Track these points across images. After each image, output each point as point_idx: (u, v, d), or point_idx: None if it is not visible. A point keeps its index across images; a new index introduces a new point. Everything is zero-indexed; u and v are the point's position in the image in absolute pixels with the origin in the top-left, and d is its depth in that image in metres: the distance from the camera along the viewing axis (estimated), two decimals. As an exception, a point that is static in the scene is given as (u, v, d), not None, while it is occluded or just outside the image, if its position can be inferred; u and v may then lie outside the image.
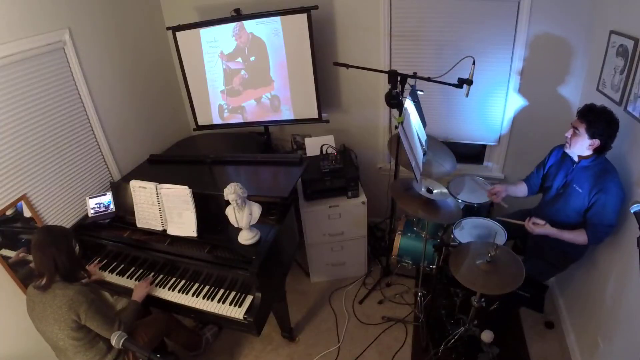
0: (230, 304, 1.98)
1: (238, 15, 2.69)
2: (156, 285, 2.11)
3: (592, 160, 1.88)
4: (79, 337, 1.70)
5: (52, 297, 1.65)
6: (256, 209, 1.98)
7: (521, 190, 2.30)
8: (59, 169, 2.22)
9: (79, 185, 2.36)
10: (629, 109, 1.76)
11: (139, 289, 2.02)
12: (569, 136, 1.90)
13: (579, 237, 1.92)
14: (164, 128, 3.13)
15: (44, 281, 1.67)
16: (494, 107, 2.69)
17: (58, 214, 2.22)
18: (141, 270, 2.21)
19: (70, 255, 1.72)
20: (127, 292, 2.10)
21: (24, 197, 2.00)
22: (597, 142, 1.80)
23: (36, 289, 1.68)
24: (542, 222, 1.99)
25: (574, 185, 1.94)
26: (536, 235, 2.05)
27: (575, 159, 1.95)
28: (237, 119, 3.06)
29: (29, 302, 1.73)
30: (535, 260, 2.10)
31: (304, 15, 2.53)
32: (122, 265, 2.25)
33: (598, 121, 1.77)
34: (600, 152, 1.85)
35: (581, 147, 1.86)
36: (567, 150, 1.95)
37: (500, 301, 2.20)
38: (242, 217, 1.93)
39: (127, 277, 2.18)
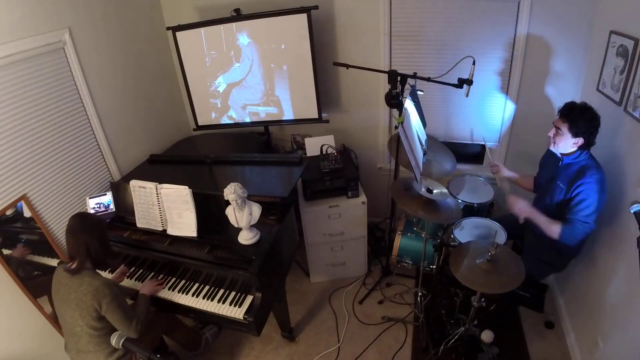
0: (230, 304, 1.98)
1: (238, 15, 2.69)
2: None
3: (575, 157, 1.89)
4: (97, 327, 1.71)
5: (80, 283, 1.67)
6: (256, 209, 1.98)
7: (526, 182, 2.33)
8: (59, 169, 2.22)
9: (79, 185, 2.36)
10: (629, 109, 1.76)
11: (148, 284, 2.03)
12: (552, 135, 1.91)
13: (552, 225, 1.92)
14: (164, 128, 3.13)
15: (74, 265, 1.69)
16: (494, 107, 2.69)
17: (58, 214, 2.21)
18: (141, 270, 2.21)
19: (102, 242, 1.76)
20: (126, 291, 2.10)
21: (24, 197, 2.00)
22: (581, 140, 1.82)
23: (65, 271, 1.70)
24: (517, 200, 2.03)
25: (558, 182, 1.95)
26: (532, 235, 2.06)
27: (559, 155, 1.96)
28: (237, 118, 3.07)
29: (55, 283, 1.76)
30: (531, 259, 2.10)
31: (304, 15, 2.53)
32: (106, 268, 2.23)
33: (580, 119, 1.79)
34: (584, 148, 1.86)
35: (565, 145, 1.87)
36: (552, 148, 1.96)
37: (499, 301, 2.20)
38: (242, 217, 1.93)
39: (127, 277, 2.18)
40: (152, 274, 2.17)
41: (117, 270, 2.16)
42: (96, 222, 1.79)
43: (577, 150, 1.87)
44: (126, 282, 2.15)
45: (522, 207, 2.00)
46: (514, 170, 2.42)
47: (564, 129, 1.83)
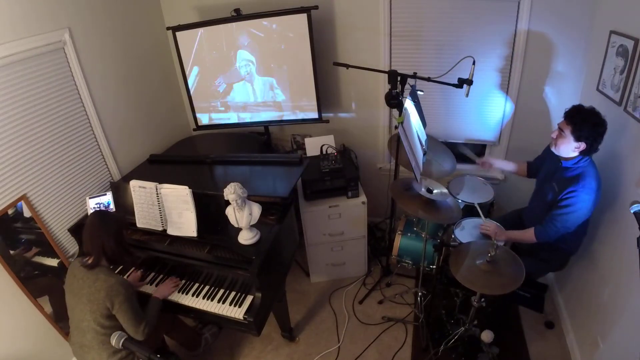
0: (230, 304, 1.98)
1: (238, 15, 2.69)
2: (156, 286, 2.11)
3: (574, 162, 1.86)
4: (105, 325, 1.70)
5: (94, 279, 1.68)
6: (256, 209, 1.98)
7: (511, 166, 2.35)
8: (59, 169, 2.22)
9: (79, 185, 2.36)
10: (629, 109, 1.76)
11: (164, 287, 2.03)
12: (554, 137, 1.88)
13: (525, 234, 2.01)
14: (163, 128, 3.13)
15: (91, 260, 1.71)
16: (494, 106, 2.69)
17: (58, 214, 2.22)
18: (141, 270, 2.21)
19: (119, 242, 1.76)
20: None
21: (24, 197, 2.00)
22: (583, 145, 1.78)
23: (82, 265, 1.71)
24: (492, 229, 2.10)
25: (553, 183, 1.95)
26: None
27: (560, 158, 1.94)
28: (237, 118, 3.06)
29: (70, 275, 1.77)
30: (528, 257, 2.10)
31: (304, 15, 2.53)
32: (122, 266, 2.24)
33: (584, 124, 1.75)
34: (585, 154, 1.82)
35: (566, 148, 1.83)
36: (552, 149, 1.92)
37: (499, 301, 2.20)
38: (242, 217, 1.93)
39: (127, 277, 2.17)
40: (153, 274, 2.17)
41: (130, 276, 2.16)
42: (114, 222, 1.78)
43: (577, 156, 1.84)
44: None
45: (496, 232, 2.10)
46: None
47: (567, 131, 1.79)
